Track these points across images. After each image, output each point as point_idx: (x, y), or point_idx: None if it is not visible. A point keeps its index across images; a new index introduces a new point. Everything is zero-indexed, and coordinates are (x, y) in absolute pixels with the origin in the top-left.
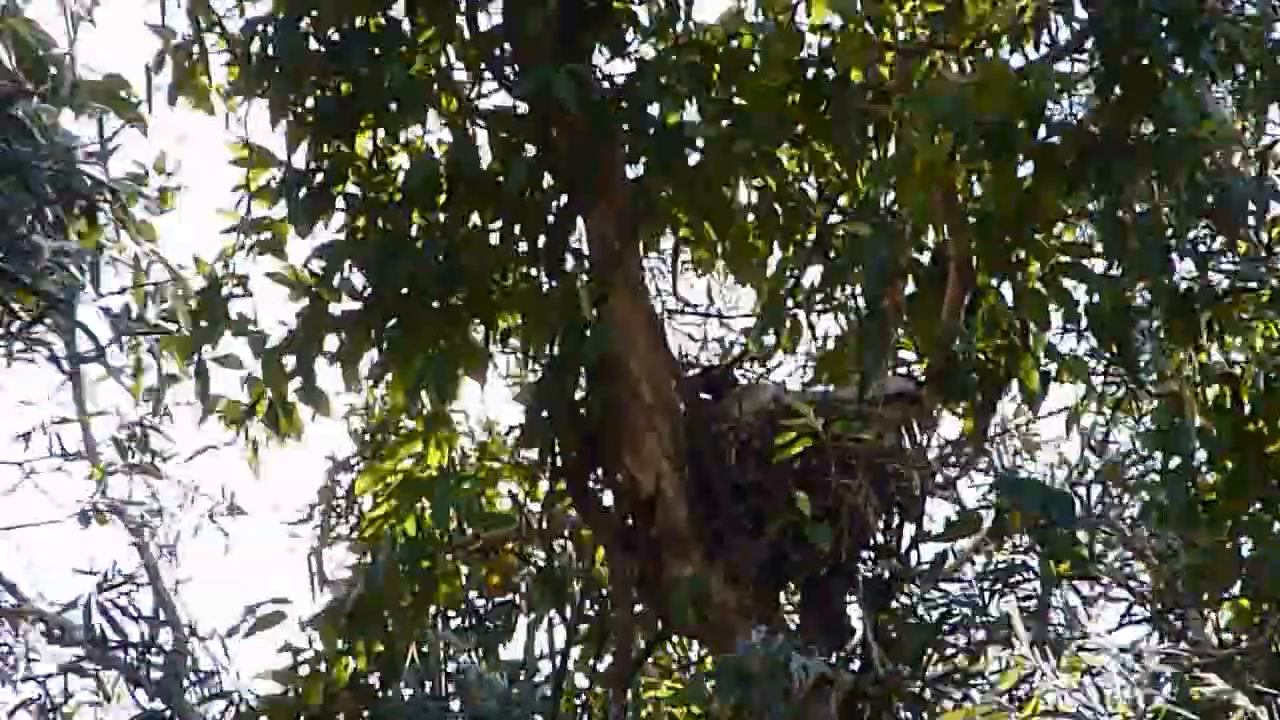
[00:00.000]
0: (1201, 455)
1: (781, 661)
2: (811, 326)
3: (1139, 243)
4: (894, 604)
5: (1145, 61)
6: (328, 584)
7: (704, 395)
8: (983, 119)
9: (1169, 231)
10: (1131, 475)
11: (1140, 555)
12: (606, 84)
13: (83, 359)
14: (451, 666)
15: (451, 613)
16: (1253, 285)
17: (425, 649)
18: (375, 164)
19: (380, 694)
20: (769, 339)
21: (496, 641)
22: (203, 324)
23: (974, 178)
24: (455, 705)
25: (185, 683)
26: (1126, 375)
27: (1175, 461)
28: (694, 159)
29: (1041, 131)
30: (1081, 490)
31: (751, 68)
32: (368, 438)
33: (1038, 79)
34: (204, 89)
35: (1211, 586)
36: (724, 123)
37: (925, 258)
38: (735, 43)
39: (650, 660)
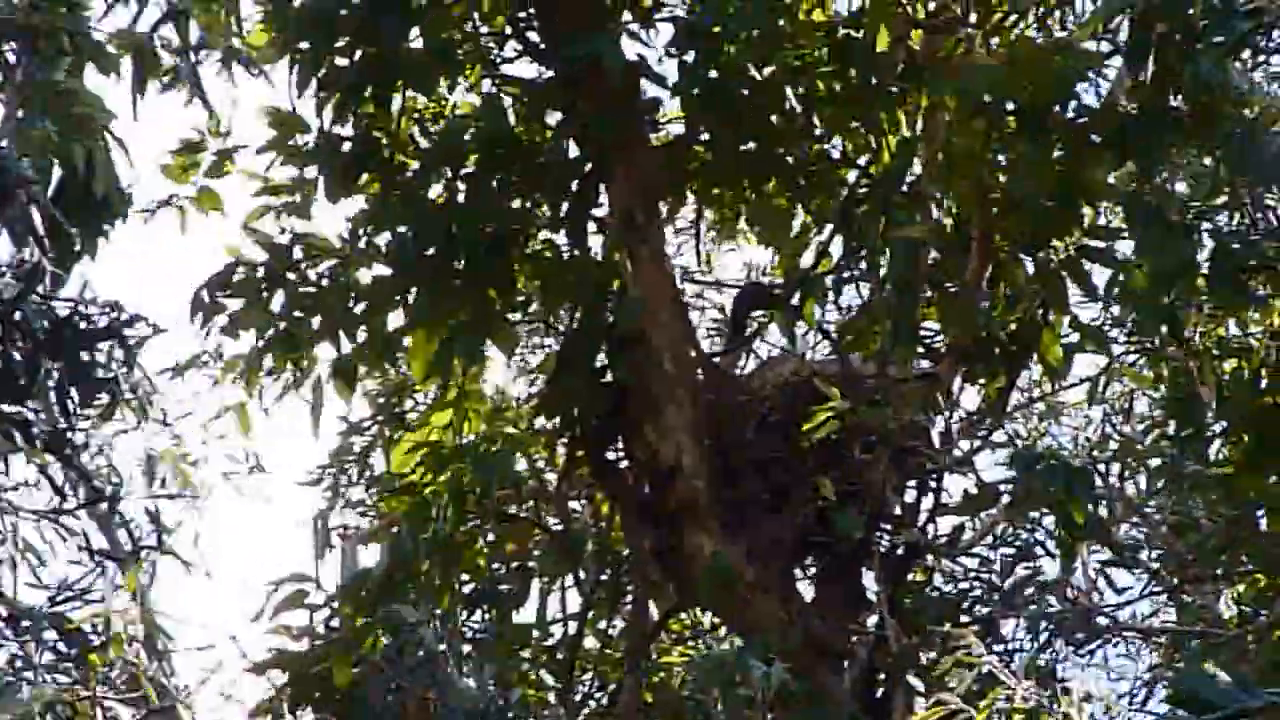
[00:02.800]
0: (1217, 427)
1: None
2: (836, 295)
3: (1161, 222)
4: (911, 577)
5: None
6: (337, 549)
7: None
8: (1016, 99)
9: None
10: (1147, 445)
11: (1155, 530)
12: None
13: None
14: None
15: (467, 579)
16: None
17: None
18: (403, 129)
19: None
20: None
21: (511, 606)
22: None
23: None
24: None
25: None
26: (1151, 343)
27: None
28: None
29: (1074, 107)
30: (1099, 464)
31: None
32: (381, 400)
33: (1068, 57)
34: (231, 46)
35: (1226, 561)
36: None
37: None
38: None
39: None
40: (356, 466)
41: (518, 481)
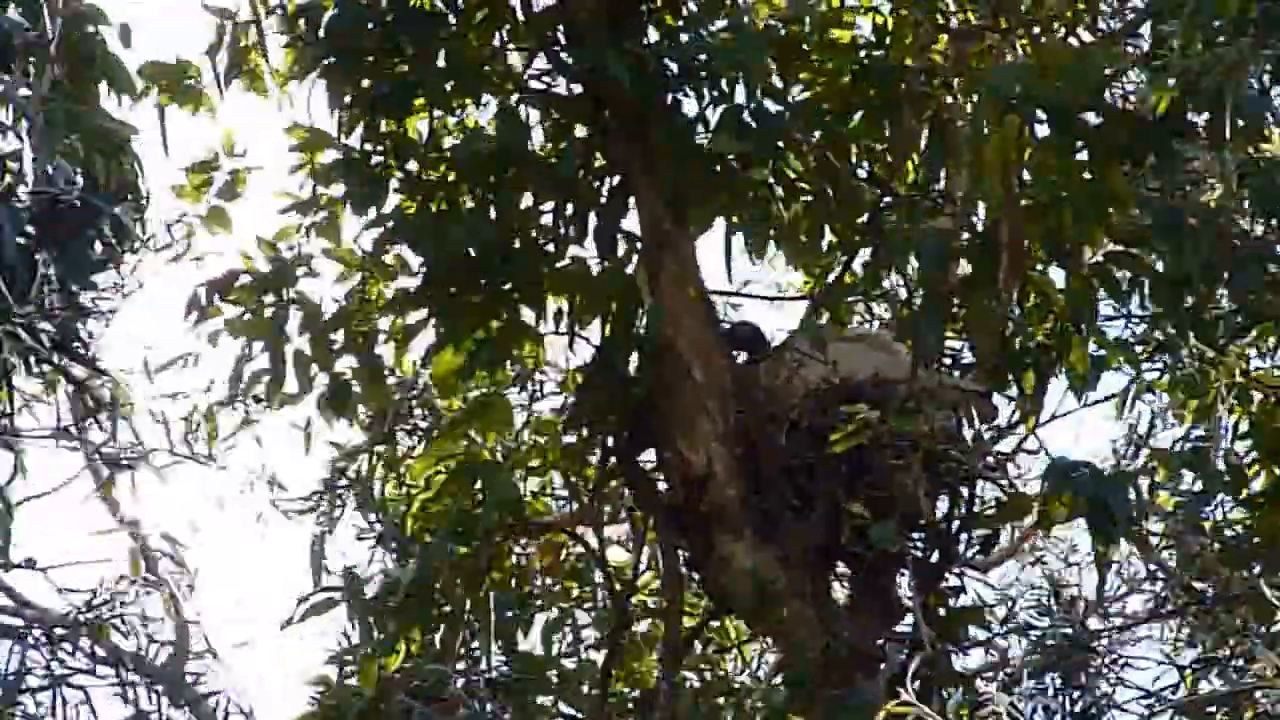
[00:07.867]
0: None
1: None
2: (868, 307)
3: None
4: (943, 585)
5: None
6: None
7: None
8: (1046, 101)
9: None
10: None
11: (1178, 539)
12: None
13: None
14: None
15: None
16: None
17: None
18: (429, 144)
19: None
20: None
21: (550, 631)
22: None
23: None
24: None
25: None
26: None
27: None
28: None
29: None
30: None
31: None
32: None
33: (1096, 61)
34: (259, 72)
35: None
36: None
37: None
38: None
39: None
40: (354, 491)
41: (516, 507)
